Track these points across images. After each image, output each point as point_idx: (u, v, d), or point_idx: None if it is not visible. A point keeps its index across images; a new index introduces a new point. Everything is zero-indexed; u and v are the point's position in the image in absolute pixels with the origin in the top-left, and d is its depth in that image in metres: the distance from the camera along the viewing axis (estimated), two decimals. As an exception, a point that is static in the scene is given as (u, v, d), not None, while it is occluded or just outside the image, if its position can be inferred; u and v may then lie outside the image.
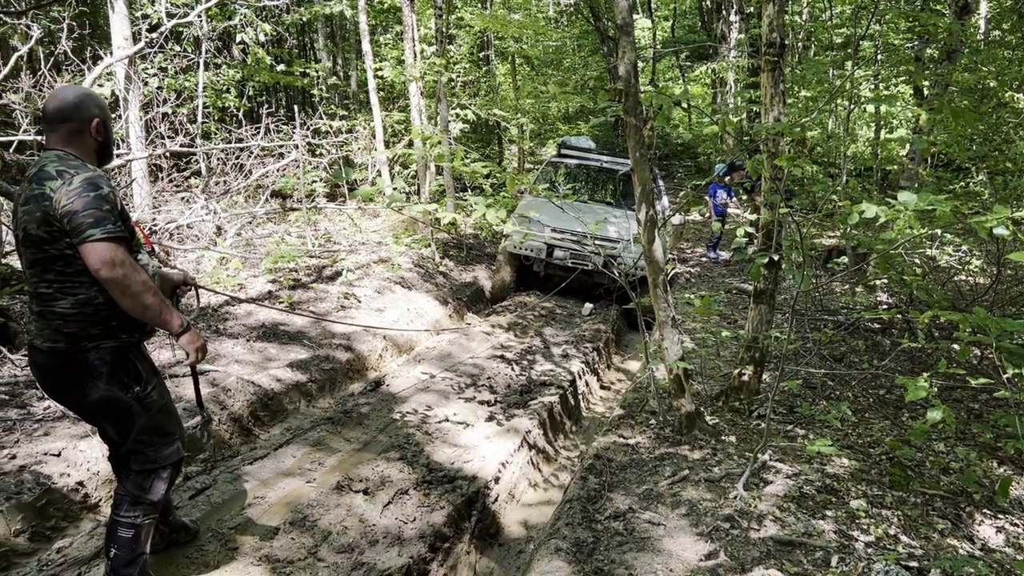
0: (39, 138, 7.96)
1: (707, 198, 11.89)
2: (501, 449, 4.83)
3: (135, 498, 2.76)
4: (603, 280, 8.47)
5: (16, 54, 7.91)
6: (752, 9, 17.90)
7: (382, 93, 15.37)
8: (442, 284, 9.42)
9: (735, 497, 3.87)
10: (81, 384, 2.65)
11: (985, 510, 3.86)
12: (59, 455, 3.92)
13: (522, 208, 9.16)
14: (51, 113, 2.62)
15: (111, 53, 8.52)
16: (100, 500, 3.90)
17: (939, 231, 7.15)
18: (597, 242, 7.62)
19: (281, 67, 12.52)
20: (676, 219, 10.37)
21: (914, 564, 3.19)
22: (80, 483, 3.86)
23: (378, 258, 9.31)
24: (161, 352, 5.64)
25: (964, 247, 8.00)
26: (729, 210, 12.21)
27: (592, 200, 9.93)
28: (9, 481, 3.62)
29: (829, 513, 3.74)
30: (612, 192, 10.17)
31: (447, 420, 5.25)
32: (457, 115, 14.68)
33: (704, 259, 12.31)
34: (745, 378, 5.21)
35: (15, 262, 6.36)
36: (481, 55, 18.05)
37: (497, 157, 19.29)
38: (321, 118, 11.90)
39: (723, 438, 4.71)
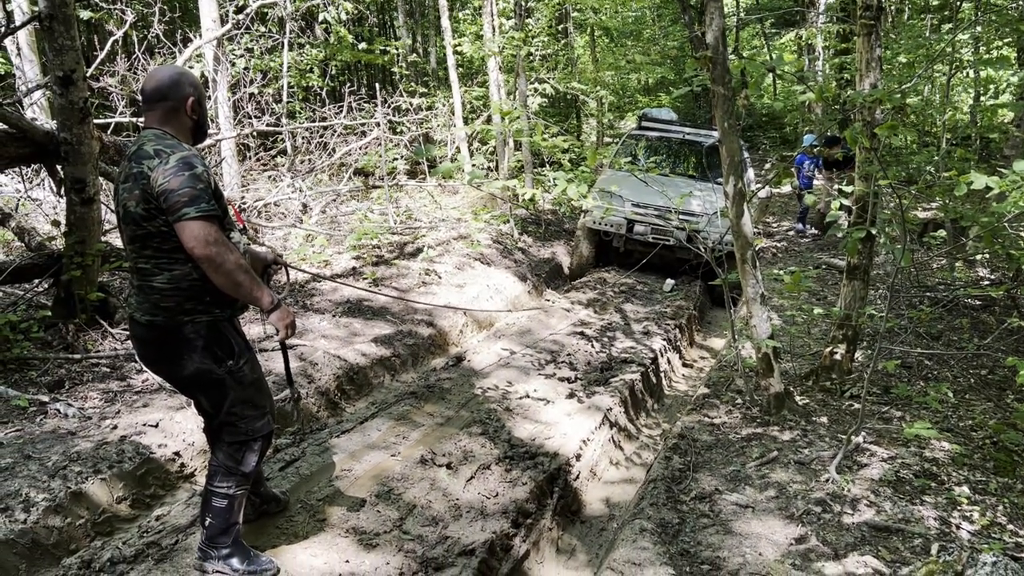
0: (135, 119, 8.26)
1: (794, 169, 11.49)
2: (582, 426, 4.80)
3: (228, 469, 2.84)
4: (686, 256, 8.29)
5: (112, 38, 8.21)
6: (844, -29, 17.10)
7: (461, 69, 15.38)
8: (521, 260, 9.40)
9: (827, 480, 3.74)
10: (177, 357, 2.73)
11: (1101, 500, 3.63)
12: (157, 426, 4.09)
13: (601, 183, 9.03)
14: (148, 93, 2.69)
15: (200, 35, 8.77)
16: (195, 470, 4.05)
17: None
18: (680, 216, 7.44)
19: (362, 45, 12.63)
20: (762, 192, 10.07)
21: (1022, 555, 3.02)
22: (177, 453, 4.01)
23: (458, 234, 9.36)
24: (251, 327, 5.81)
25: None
26: (815, 183, 11.78)
27: (674, 173, 9.71)
28: (111, 450, 3.79)
29: (928, 499, 3.58)
30: (695, 165, 9.92)
31: (528, 396, 5.24)
32: (536, 89, 14.58)
33: (790, 232, 11.93)
34: (837, 357, 5.02)
35: (115, 240, 6.64)
36: (559, 28, 17.83)
37: (576, 131, 19.10)
38: (401, 96, 11.99)
39: (814, 419, 4.56)
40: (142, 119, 2.80)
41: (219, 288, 2.62)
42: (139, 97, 2.82)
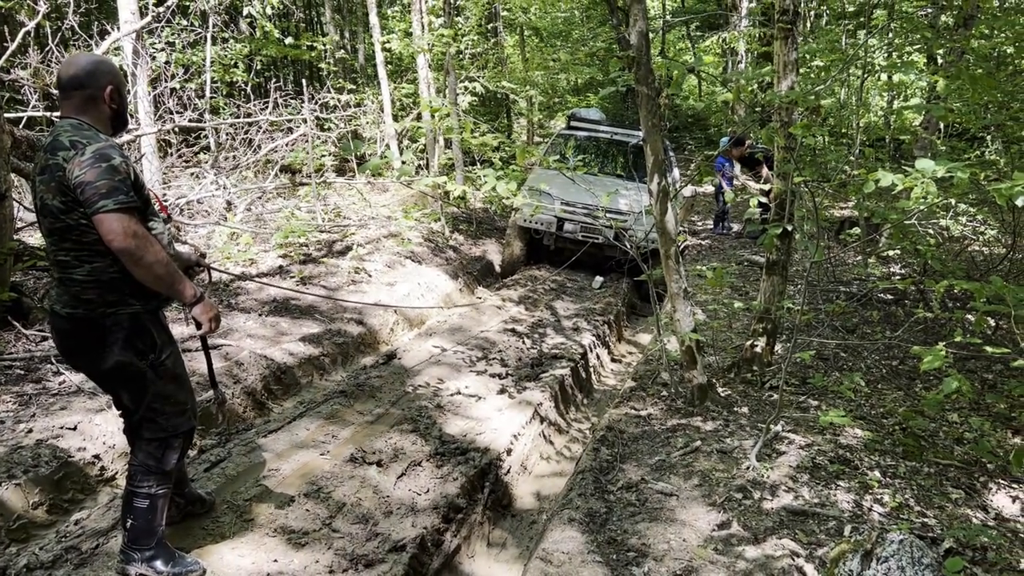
0: (48, 114, 7.95)
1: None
2: (513, 421, 4.85)
3: (148, 467, 2.80)
4: (614, 253, 8.43)
5: (23, 29, 7.87)
6: (764, -23, 17.61)
7: (390, 66, 15.26)
8: (452, 258, 9.41)
9: (748, 468, 3.88)
10: (97, 350, 2.68)
11: (999, 480, 3.85)
12: (75, 429, 3.96)
13: (532, 181, 9.10)
14: (65, 81, 2.63)
15: (118, 28, 8.47)
16: (116, 473, 3.94)
17: (953, 200, 7.08)
18: (608, 215, 7.56)
19: (289, 40, 12.42)
20: (687, 191, 10.28)
21: (928, 534, 3.19)
22: (96, 456, 3.90)
23: (388, 232, 9.30)
24: (175, 326, 5.66)
25: (979, 216, 7.91)
26: (735, 183, 12.10)
27: (602, 173, 9.85)
28: (26, 455, 3.66)
29: (842, 483, 3.74)
30: (623, 164, 10.08)
31: (459, 393, 5.26)
32: (466, 88, 14.58)
33: (715, 233, 12.21)
34: (757, 349, 5.19)
35: (27, 238, 6.39)
36: (489, 27, 17.87)
37: (506, 130, 19.17)
38: (329, 92, 11.84)
39: (735, 409, 4.71)
40: (56, 114, 2.74)
41: (139, 280, 2.58)
42: (53, 90, 2.77)
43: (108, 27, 9.01)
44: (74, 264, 2.60)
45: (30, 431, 3.89)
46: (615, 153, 10.35)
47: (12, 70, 8.07)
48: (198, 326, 2.80)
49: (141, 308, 2.71)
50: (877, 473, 3.85)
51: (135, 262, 2.51)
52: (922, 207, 3.43)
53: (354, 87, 14.74)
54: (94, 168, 2.46)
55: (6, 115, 5.19)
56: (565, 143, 10.49)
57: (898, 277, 7.60)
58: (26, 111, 8.02)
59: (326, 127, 11.96)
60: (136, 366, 2.72)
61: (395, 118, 13.61)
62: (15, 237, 5.26)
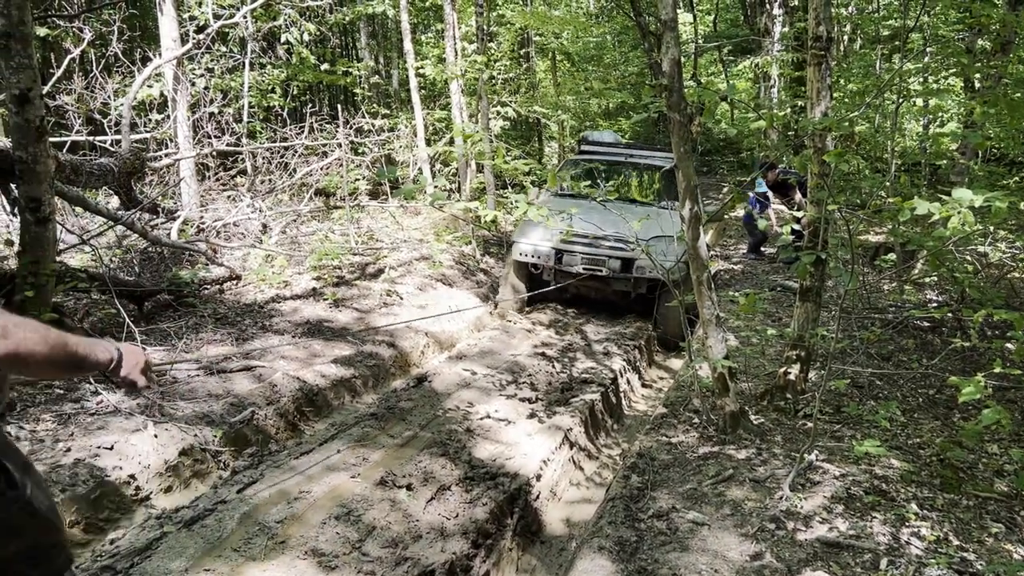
0: (92, 138, 8.17)
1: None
2: (543, 446, 4.84)
3: None
4: (623, 287, 7.94)
5: (69, 56, 8.12)
6: (796, 2, 17.61)
7: (423, 91, 15.47)
8: (483, 281, 9.45)
9: (781, 497, 3.82)
10: None
11: (1041, 514, 3.76)
12: (112, 448, 4.02)
13: (532, 213, 8.32)
14: None
15: (160, 54, 8.73)
16: (151, 492, 3.99)
17: (991, 227, 6.97)
18: (613, 244, 7.34)
19: (324, 66, 12.67)
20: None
21: (968, 569, 3.12)
22: (132, 476, 3.95)
23: (420, 255, 9.37)
24: (209, 348, 5.75)
25: (1019, 243, 7.77)
26: (768, 210, 12.00)
27: (620, 199, 9.15)
28: (64, 474, 3.72)
29: (878, 515, 3.67)
30: (639, 188, 9.61)
31: (489, 417, 5.26)
32: (498, 112, 14.71)
33: (747, 257, 12.14)
34: (791, 377, 5.13)
35: (69, 259, 6.55)
36: (521, 52, 18.05)
37: (537, 154, 19.28)
38: (363, 117, 12.02)
39: (768, 438, 4.65)
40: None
41: (44, 379, 1.92)
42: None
43: (150, 54, 9.26)
44: None
45: (68, 450, 3.96)
46: (632, 175, 9.64)
47: (57, 96, 8.32)
48: (131, 388, 1.95)
49: None
50: (914, 505, 3.78)
51: (23, 361, 1.58)
52: (959, 236, 3.39)
53: (388, 112, 14.96)
54: None
55: (50, 139, 5.34)
56: (575, 168, 9.63)
57: (934, 305, 7.47)
58: (70, 136, 8.25)
59: (360, 151, 12.13)
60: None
61: (428, 142, 13.76)
62: (57, 259, 5.39)
